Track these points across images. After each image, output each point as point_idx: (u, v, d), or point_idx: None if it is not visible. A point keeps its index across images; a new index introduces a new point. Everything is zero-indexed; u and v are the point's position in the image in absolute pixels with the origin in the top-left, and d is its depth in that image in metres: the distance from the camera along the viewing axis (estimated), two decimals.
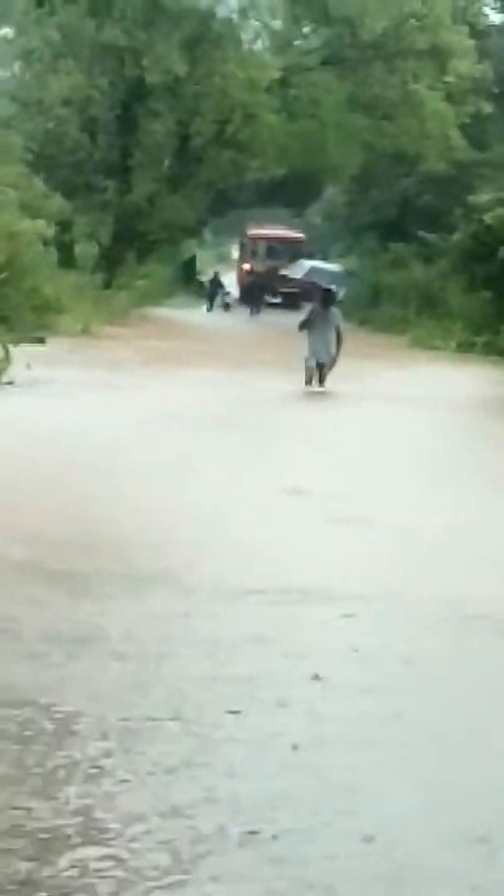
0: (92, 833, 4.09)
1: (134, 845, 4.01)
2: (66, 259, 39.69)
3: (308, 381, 20.43)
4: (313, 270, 46.93)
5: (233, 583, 7.51)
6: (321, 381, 20.45)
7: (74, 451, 12.09)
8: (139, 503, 9.87)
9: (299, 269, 48.00)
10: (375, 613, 7.05)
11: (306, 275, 47.30)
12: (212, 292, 48.54)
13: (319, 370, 20.46)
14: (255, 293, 47.67)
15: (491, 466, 13.32)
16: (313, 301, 22.42)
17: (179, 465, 11.73)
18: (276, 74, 41.51)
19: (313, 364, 20.48)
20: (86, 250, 42.86)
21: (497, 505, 10.99)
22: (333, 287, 22.87)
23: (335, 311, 21.25)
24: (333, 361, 20.55)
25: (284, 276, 47.90)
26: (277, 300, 47.91)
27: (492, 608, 7.31)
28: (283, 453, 13.17)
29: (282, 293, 47.98)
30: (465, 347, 32.32)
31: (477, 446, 15.16)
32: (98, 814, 4.24)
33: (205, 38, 41.10)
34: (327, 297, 21.37)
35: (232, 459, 12.38)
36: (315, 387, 20.28)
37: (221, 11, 42.61)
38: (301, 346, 20.84)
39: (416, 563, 8.48)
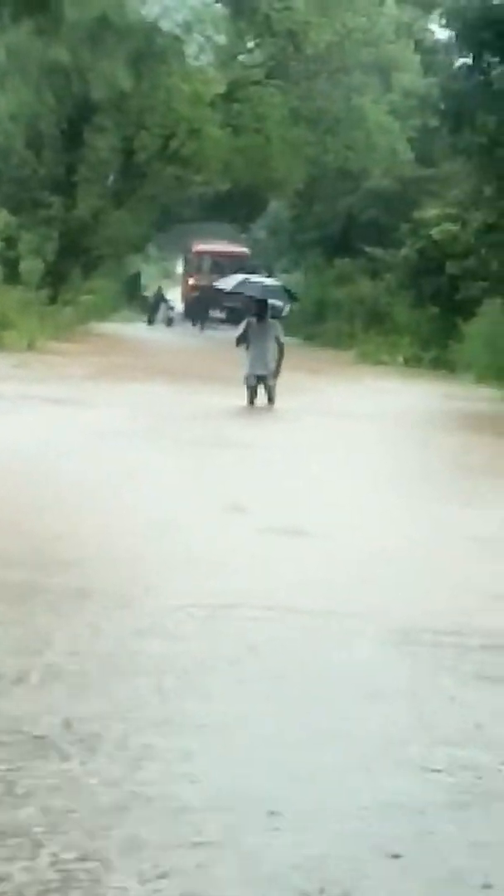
0: None
1: None
2: (11, 275, 39.46)
3: (251, 401, 19.76)
4: (244, 284, 46.72)
5: (161, 596, 7.49)
6: (269, 397, 19.82)
7: (13, 464, 12.05)
8: (80, 517, 9.79)
9: (229, 282, 47.83)
10: (295, 626, 6.99)
11: (235, 288, 47.18)
12: (154, 306, 48.60)
13: (264, 385, 19.79)
14: (199, 308, 47.65)
15: (437, 480, 13.29)
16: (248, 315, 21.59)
17: (122, 481, 11.60)
18: (221, 88, 41.57)
19: (254, 382, 19.84)
20: (31, 266, 42.60)
21: (442, 518, 10.98)
22: (268, 299, 21.86)
23: (273, 323, 20.60)
24: (274, 374, 19.85)
25: (218, 289, 47.91)
26: (222, 315, 47.84)
27: (418, 623, 7.25)
28: (226, 469, 13.05)
29: (226, 308, 47.92)
30: (413, 362, 32.44)
31: (422, 461, 15.16)
32: None
33: (150, 53, 41.03)
34: (262, 310, 20.62)
35: (174, 475, 12.21)
36: (262, 404, 19.67)
37: (166, 25, 42.56)
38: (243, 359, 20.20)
39: (350, 576, 8.42)
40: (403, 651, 6.69)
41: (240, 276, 48.05)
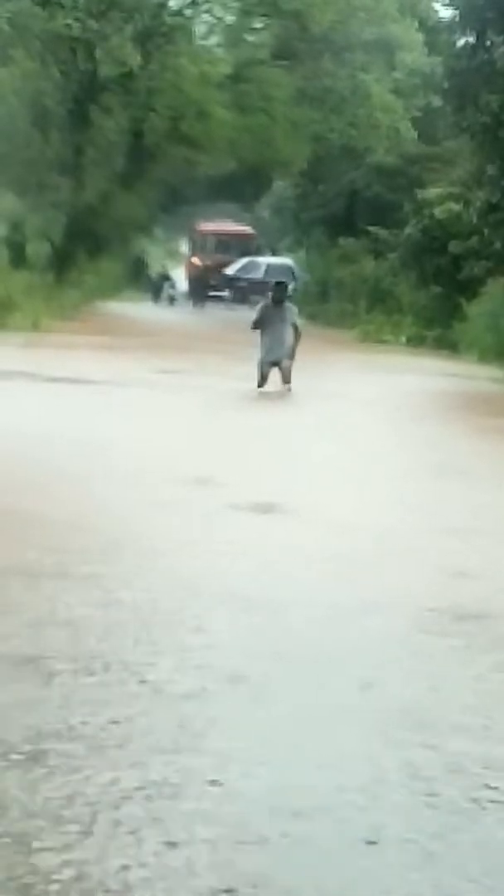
0: None
1: None
2: (18, 258, 39.59)
3: (261, 384, 19.06)
4: (250, 265, 47.10)
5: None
6: (284, 379, 19.10)
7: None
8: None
9: (235, 266, 48.25)
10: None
11: (241, 270, 47.59)
12: (157, 285, 48.79)
13: (279, 367, 19.15)
14: (203, 287, 47.92)
15: (432, 462, 13.32)
16: (264, 297, 20.90)
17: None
18: (229, 69, 41.55)
19: (268, 367, 19.16)
20: (38, 249, 42.71)
21: (436, 499, 11.03)
22: (285, 280, 21.43)
23: (290, 307, 19.89)
24: (292, 355, 19.20)
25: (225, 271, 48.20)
26: (225, 294, 47.99)
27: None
28: (213, 446, 13.13)
29: (231, 287, 48.05)
30: (416, 342, 32.51)
31: (418, 443, 15.15)
32: None
33: (157, 32, 41.07)
34: (279, 293, 19.88)
35: (162, 457, 12.25)
36: (271, 388, 18.97)
37: (174, 4, 42.61)
38: (254, 340, 19.83)
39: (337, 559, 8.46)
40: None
41: (245, 259, 48.64)
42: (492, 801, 4.54)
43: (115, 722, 5.04)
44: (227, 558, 8.17)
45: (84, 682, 5.51)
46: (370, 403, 18.53)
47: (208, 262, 50.32)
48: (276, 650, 6.19)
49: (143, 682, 5.55)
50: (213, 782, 4.51)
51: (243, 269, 47.95)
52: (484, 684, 5.93)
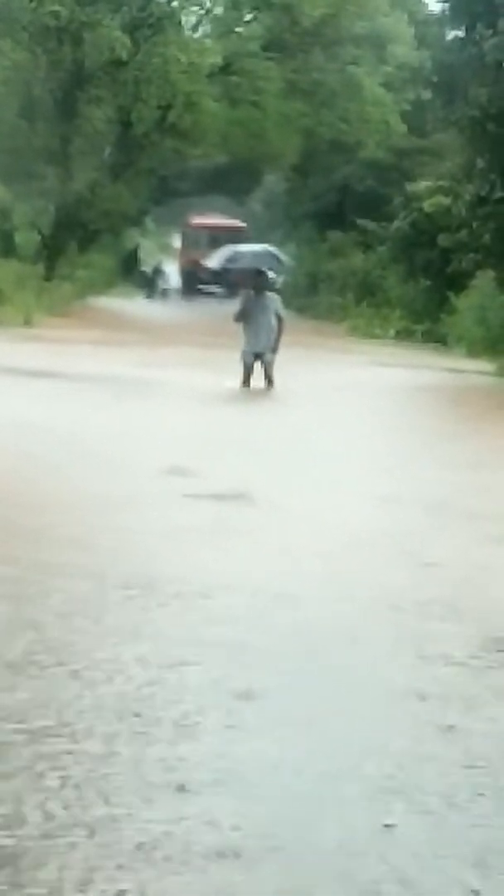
0: None
1: None
2: (6, 248, 39.59)
3: (245, 381, 18.42)
4: (233, 256, 46.86)
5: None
6: (267, 376, 18.46)
7: None
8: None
9: (217, 258, 48.06)
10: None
11: (225, 261, 47.38)
12: (152, 280, 48.74)
13: (261, 362, 18.50)
14: (195, 282, 47.89)
15: (417, 456, 13.33)
16: (245, 288, 20.28)
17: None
18: (219, 60, 41.51)
19: (251, 360, 18.51)
20: (26, 239, 42.71)
21: (414, 490, 11.07)
22: (265, 269, 20.97)
23: (272, 297, 19.34)
24: (275, 349, 18.59)
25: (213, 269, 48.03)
26: (218, 288, 47.92)
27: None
28: (201, 444, 13.04)
29: (221, 280, 47.97)
30: (405, 335, 32.56)
31: (403, 436, 15.14)
32: None
33: (145, 22, 41.03)
34: (259, 282, 19.42)
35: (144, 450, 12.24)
36: (256, 387, 18.24)
37: None
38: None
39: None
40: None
41: (227, 250, 48.54)
42: None
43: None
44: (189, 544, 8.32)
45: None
46: (355, 396, 18.49)
47: (199, 257, 50.35)
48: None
49: None
50: None
51: (227, 260, 47.74)
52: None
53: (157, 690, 5.45)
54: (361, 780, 4.64)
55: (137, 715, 5.13)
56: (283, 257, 46.57)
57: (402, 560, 8.29)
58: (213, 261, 48.51)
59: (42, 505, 9.28)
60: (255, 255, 45.07)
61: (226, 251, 48.34)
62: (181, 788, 4.46)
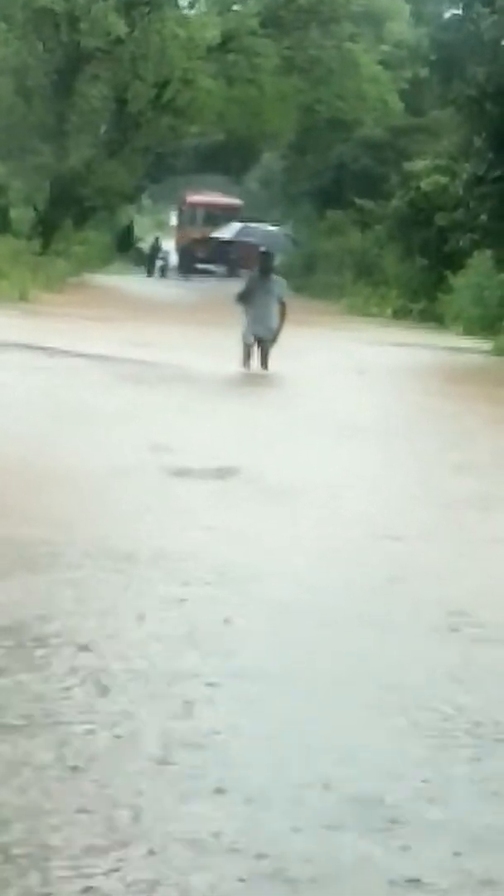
0: None
1: None
2: (2, 223, 39.50)
3: (245, 362, 17.84)
4: (244, 231, 46.35)
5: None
6: (263, 360, 17.92)
7: None
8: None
9: (227, 231, 47.54)
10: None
11: (236, 236, 46.89)
12: (151, 257, 48.59)
13: (261, 346, 17.92)
14: (192, 259, 47.73)
15: (406, 435, 13.37)
16: (251, 269, 19.82)
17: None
18: (216, 36, 41.39)
19: (251, 341, 17.90)
20: (22, 215, 42.60)
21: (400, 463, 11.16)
22: (271, 250, 20.05)
23: (277, 280, 18.66)
24: (275, 337, 17.96)
25: (216, 239, 47.52)
26: (215, 267, 47.76)
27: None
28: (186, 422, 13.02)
29: (223, 259, 47.75)
30: (402, 314, 32.54)
31: (397, 414, 15.17)
32: None
33: (141, 1, 40.92)
34: (266, 263, 18.68)
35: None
36: (254, 368, 17.83)
37: None
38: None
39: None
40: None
41: (238, 224, 48.23)
42: None
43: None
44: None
45: None
46: (354, 376, 18.41)
47: (197, 234, 50.17)
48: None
49: None
50: None
51: (239, 235, 47.08)
52: None
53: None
54: None
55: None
56: (295, 239, 45.98)
57: (379, 536, 8.38)
58: (224, 234, 47.69)
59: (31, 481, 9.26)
60: (268, 234, 44.11)
61: (237, 227, 47.54)
62: None
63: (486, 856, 4.01)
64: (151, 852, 3.82)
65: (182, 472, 9.88)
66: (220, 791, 4.27)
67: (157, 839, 3.90)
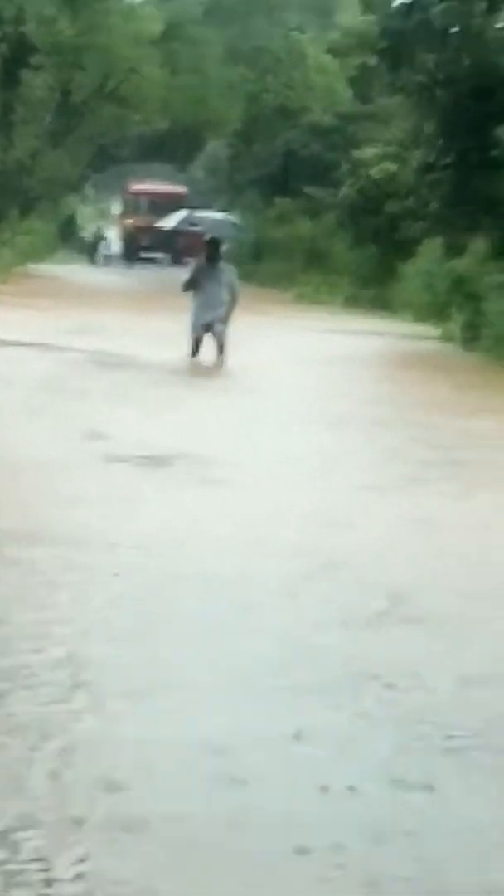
0: None
1: None
2: None
3: (194, 352, 17.53)
4: (188, 219, 46.21)
5: None
6: (218, 345, 17.53)
7: None
8: None
9: (171, 220, 47.55)
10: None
11: (179, 224, 46.77)
12: (93, 246, 48.77)
13: (212, 332, 17.57)
14: (136, 248, 47.72)
15: (352, 422, 13.14)
16: (196, 257, 19.36)
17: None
18: (160, 27, 41.28)
19: (200, 332, 17.57)
20: None
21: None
22: (218, 237, 19.64)
23: (226, 267, 18.25)
24: (224, 320, 17.61)
25: (160, 228, 47.53)
26: (159, 255, 47.53)
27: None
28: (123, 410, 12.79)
29: (166, 246, 47.54)
30: (352, 302, 32.32)
31: (347, 399, 14.98)
32: None
33: None
34: (212, 251, 18.17)
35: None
36: (206, 358, 17.43)
37: None
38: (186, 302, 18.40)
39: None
40: None
41: (183, 212, 48.05)
42: None
43: None
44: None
45: None
46: (298, 363, 18.14)
47: (142, 223, 49.98)
48: None
49: None
50: None
51: (182, 222, 47.07)
52: None
53: None
54: None
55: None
56: (242, 226, 45.84)
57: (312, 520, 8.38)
58: (168, 222, 47.84)
59: None
60: (214, 221, 43.87)
61: (182, 214, 47.68)
62: None
63: None
64: None
65: (121, 460, 9.82)
66: None
67: None
